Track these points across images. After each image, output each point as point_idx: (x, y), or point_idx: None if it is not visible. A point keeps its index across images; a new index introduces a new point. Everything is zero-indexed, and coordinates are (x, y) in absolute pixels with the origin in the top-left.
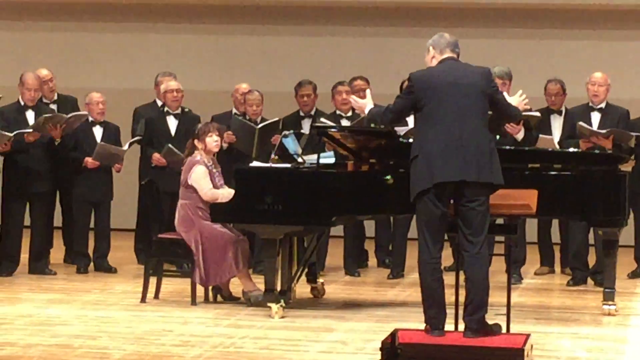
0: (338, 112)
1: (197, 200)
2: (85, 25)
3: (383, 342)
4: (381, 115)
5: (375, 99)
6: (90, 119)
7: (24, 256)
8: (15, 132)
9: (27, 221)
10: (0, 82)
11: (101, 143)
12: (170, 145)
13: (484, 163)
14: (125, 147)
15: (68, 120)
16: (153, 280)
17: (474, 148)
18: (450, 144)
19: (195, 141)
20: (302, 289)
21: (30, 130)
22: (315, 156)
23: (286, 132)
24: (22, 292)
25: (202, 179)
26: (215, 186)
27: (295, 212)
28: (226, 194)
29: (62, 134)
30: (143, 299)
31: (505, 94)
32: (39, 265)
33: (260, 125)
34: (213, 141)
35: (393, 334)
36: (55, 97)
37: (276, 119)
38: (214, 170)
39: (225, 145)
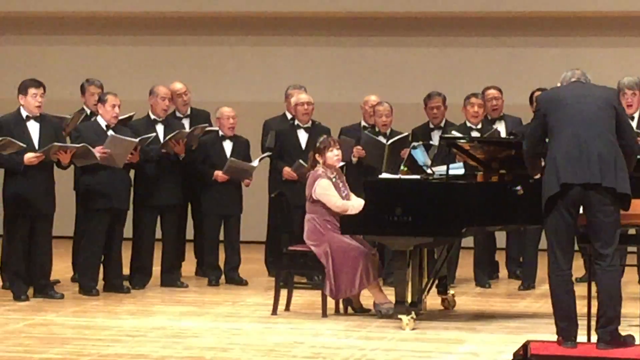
0: (468, 124)
1: (324, 213)
2: (217, 38)
3: (515, 354)
4: (525, 148)
5: (506, 109)
6: (221, 133)
7: (156, 269)
8: (140, 138)
9: (158, 234)
10: (133, 96)
11: (232, 159)
12: (301, 161)
13: (607, 169)
14: (255, 163)
15: (190, 133)
16: (284, 293)
17: (598, 154)
18: (574, 149)
19: (316, 155)
20: (432, 300)
21: (154, 135)
22: (444, 167)
23: (415, 144)
24: (155, 304)
25: (327, 191)
26: (341, 197)
27: (426, 223)
28: (356, 204)
29: (185, 148)
30: (274, 311)
31: None
32: (171, 278)
33: (390, 142)
34: (334, 155)
35: (525, 346)
36: (189, 112)
37: (405, 133)
38: (338, 181)
39: (354, 160)
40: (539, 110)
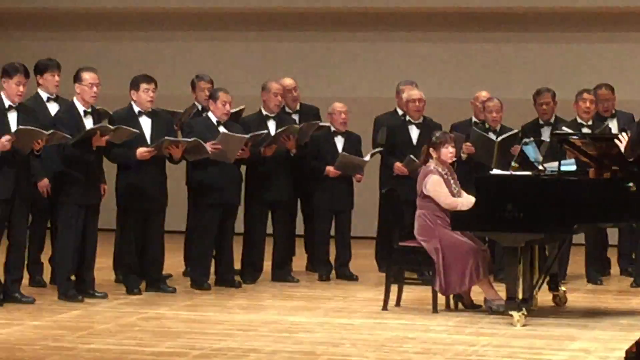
0: (579, 120)
1: (435, 208)
2: (327, 34)
3: (627, 351)
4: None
5: (619, 105)
6: (333, 128)
7: (267, 264)
8: (251, 135)
9: (269, 229)
10: (244, 92)
11: (343, 153)
12: (412, 156)
13: None
14: (367, 158)
15: (301, 129)
16: (394, 288)
17: None
18: None
19: (431, 149)
20: (543, 297)
21: (266, 132)
22: (556, 164)
23: (526, 140)
24: (266, 299)
25: (438, 187)
26: (451, 194)
27: (537, 220)
28: (465, 202)
29: (296, 144)
30: (385, 307)
31: None
32: (282, 273)
33: (499, 139)
34: (448, 152)
35: (638, 343)
36: (298, 107)
37: (515, 130)
38: (449, 178)
39: (464, 156)
40: None
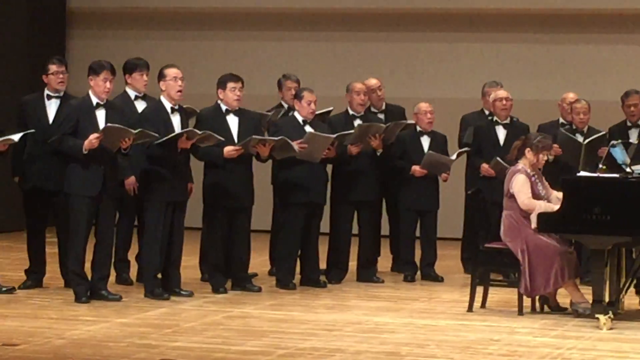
0: None
1: (522, 209)
2: (413, 35)
3: None
4: None
5: None
6: (418, 128)
7: (352, 264)
8: (337, 135)
9: (355, 229)
10: (330, 92)
11: (430, 152)
12: (498, 158)
13: None
14: (454, 156)
15: (387, 128)
16: (479, 290)
17: None
18: None
19: (527, 150)
20: (630, 300)
21: (352, 132)
22: None
23: (614, 142)
24: (351, 299)
25: (520, 187)
26: (537, 195)
27: (624, 222)
28: (543, 206)
29: (382, 143)
30: (470, 308)
31: None
32: (367, 273)
33: (587, 140)
34: (544, 159)
35: None
36: (383, 107)
37: (602, 132)
38: (537, 180)
39: (551, 158)
40: None
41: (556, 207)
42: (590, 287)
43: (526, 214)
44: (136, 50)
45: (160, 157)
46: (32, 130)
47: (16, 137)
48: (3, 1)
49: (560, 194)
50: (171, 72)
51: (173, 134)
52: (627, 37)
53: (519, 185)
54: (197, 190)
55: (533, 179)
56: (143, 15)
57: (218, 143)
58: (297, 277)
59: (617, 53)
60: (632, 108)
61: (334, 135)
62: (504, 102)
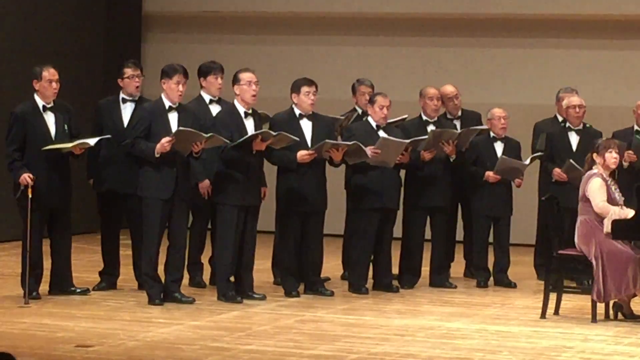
0: None
1: (597, 214)
2: (488, 40)
3: None
4: None
5: None
6: (492, 134)
7: (425, 269)
8: (411, 140)
9: (428, 234)
10: (404, 97)
11: (503, 157)
12: (571, 160)
13: None
14: (527, 161)
15: (460, 134)
16: (553, 296)
17: None
18: None
19: (594, 155)
20: None
21: (426, 137)
22: None
23: None
24: (423, 304)
25: (596, 190)
26: (613, 200)
27: None
28: (617, 211)
29: (455, 149)
30: (543, 315)
31: None
32: (440, 279)
33: None
34: (612, 157)
35: None
36: (460, 113)
37: None
38: (612, 185)
39: (626, 164)
40: None
41: (631, 214)
42: None
43: (600, 219)
44: (211, 54)
45: (235, 160)
46: (108, 136)
47: (92, 141)
48: (81, 5)
49: (632, 211)
50: (246, 76)
51: (248, 136)
52: None
53: (595, 188)
54: (270, 194)
55: (608, 182)
56: (218, 19)
57: (291, 148)
58: (370, 281)
59: None
60: None
61: (408, 141)
62: (577, 109)
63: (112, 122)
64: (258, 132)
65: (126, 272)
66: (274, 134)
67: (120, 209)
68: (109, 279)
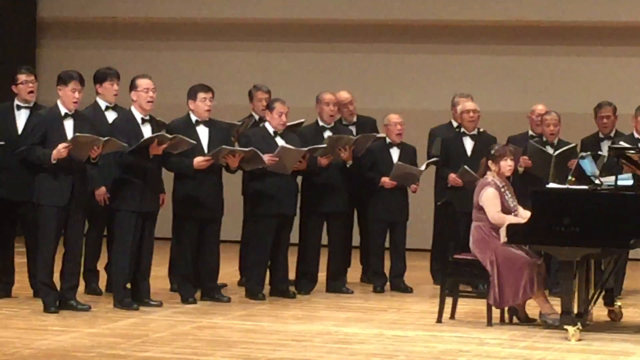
0: (636, 135)
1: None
2: (384, 46)
3: None
4: None
5: None
6: (388, 140)
7: (322, 275)
8: (309, 148)
9: (324, 240)
10: (301, 103)
11: (399, 163)
12: (466, 166)
13: None
14: (422, 167)
15: (357, 140)
16: (449, 301)
17: None
18: None
19: (490, 162)
20: (599, 312)
21: (324, 146)
22: (612, 178)
23: (583, 154)
24: (320, 309)
25: (490, 200)
26: (507, 208)
27: (593, 234)
28: (513, 220)
29: (352, 155)
30: (439, 319)
31: None
32: (337, 284)
33: (556, 153)
34: (507, 165)
35: None
36: (355, 119)
37: (572, 144)
38: (506, 192)
39: (521, 170)
40: None
41: (526, 218)
42: (559, 299)
43: (495, 226)
44: (107, 60)
45: (132, 165)
46: (2, 143)
47: None
48: None
49: (528, 212)
50: (143, 82)
51: (144, 139)
52: (598, 49)
53: (489, 199)
54: (167, 200)
55: (502, 190)
56: (114, 25)
57: (188, 154)
58: (267, 287)
59: (587, 65)
60: (604, 120)
61: (306, 149)
62: (472, 114)
63: (6, 129)
64: (154, 135)
65: (21, 280)
66: (170, 137)
67: (14, 216)
68: (3, 287)
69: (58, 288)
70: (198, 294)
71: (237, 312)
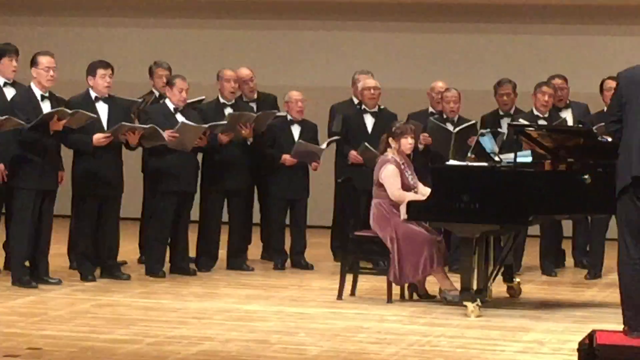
0: (535, 112)
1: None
2: (285, 22)
3: (580, 343)
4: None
5: (574, 97)
6: (289, 117)
7: (222, 252)
8: (210, 125)
9: (225, 217)
10: (201, 79)
11: (300, 141)
12: (366, 143)
13: None
14: (324, 145)
15: (257, 117)
16: (349, 278)
17: None
18: None
19: (390, 139)
20: (498, 288)
21: (225, 122)
22: (512, 155)
23: (483, 131)
24: (221, 287)
25: (390, 178)
26: (407, 185)
27: (492, 211)
28: (413, 197)
29: (253, 132)
30: (339, 296)
31: None
32: (237, 261)
33: (456, 130)
34: (407, 143)
35: (591, 335)
36: (256, 96)
37: (472, 121)
38: (406, 169)
39: (421, 147)
40: (617, 89)
41: (426, 195)
42: (459, 275)
43: (396, 203)
44: (6, 35)
45: (32, 142)
46: None
47: None
48: None
49: (428, 189)
50: (44, 60)
51: (44, 114)
52: (500, 26)
53: (389, 176)
54: (66, 178)
55: (402, 167)
56: (11, 0)
57: (87, 131)
58: (167, 265)
59: (488, 42)
60: (504, 97)
61: (206, 126)
62: (372, 91)
63: None
64: (54, 110)
65: None
66: (70, 112)
67: None
68: None
69: None
70: (97, 272)
71: (136, 289)
